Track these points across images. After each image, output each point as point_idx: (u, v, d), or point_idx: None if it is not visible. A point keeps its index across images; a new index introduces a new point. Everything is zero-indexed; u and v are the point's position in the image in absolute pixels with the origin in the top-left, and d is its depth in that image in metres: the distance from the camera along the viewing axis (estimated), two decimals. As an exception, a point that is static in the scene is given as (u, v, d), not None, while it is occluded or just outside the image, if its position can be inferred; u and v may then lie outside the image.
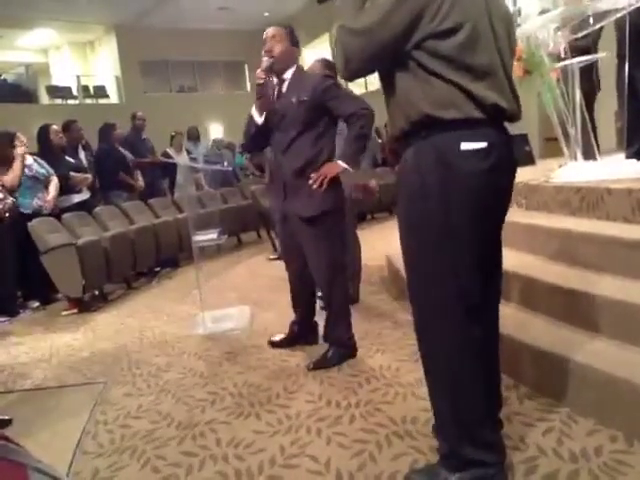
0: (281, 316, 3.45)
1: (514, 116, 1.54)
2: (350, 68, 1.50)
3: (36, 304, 4.79)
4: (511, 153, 1.56)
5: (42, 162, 5.05)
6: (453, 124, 1.43)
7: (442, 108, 1.43)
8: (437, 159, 1.45)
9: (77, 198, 5.44)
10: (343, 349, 2.78)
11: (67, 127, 6.04)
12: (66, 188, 5.24)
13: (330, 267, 2.71)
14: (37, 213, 4.76)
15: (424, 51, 1.42)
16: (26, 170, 4.79)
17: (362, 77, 1.64)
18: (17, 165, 4.59)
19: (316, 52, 14.85)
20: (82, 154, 6.07)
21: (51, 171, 5.04)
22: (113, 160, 6.20)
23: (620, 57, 3.31)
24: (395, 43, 1.43)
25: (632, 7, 2.86)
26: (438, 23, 1.38)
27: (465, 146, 1.43)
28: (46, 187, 4.97)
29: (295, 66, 2.75)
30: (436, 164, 1.46)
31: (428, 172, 1.47)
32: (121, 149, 6.37)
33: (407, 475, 1.74)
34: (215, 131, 15.34)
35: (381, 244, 4.07)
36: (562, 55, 3.14)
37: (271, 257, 5.81)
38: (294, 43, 2.74)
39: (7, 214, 4.42)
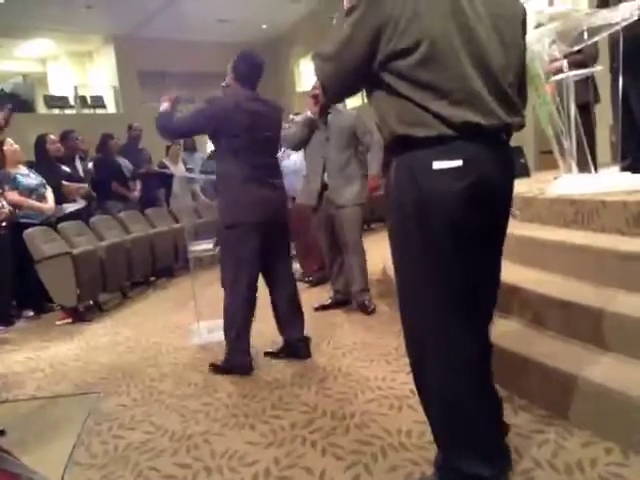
0: (274, 327, 3.44)
1: (505, 127, 1.46)
2: (328, 92, 1.58)
3: (30, 313, 4.77)
4: (504, 167, 1.50)
5: (33, 172, 5.06)
6: (426, 141, 1.40)
7: (412, 127, 1.42)
8: (410, 179, 1.44)
9: (71, 208, 5.43)
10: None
11: (64, 137, 6.07)
12: (60, 197, 5.24)
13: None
14: (33, 223, 4.75)
15: (388, 71, 1.42)
16: (27, 179, 4.82)
17: (343, 99, 1.69)
18: None
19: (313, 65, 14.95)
20: (79, 164, 6.08)
21: (44, 181, 5.04)
22: (109, 170, 6.22)
23: (614, 71, 3.34)
24: (359, 64, 1.45)
25: (626, 22, 2.90)
26: (396, 42, 1.37)
27: (437, 165, 1.39)
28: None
29: None
30: (410, 184, 1.45)
31: (404, 191, 1.47)
32: (119, 159, 6.39)
33: None
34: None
35: (377, 254, 4.07)
36: (564, 70, 3.17)
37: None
38: None
39: (4, 223, 4.41)
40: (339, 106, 3.80)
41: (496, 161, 1.46)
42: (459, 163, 1.38)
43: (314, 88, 3.30)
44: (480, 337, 1.59)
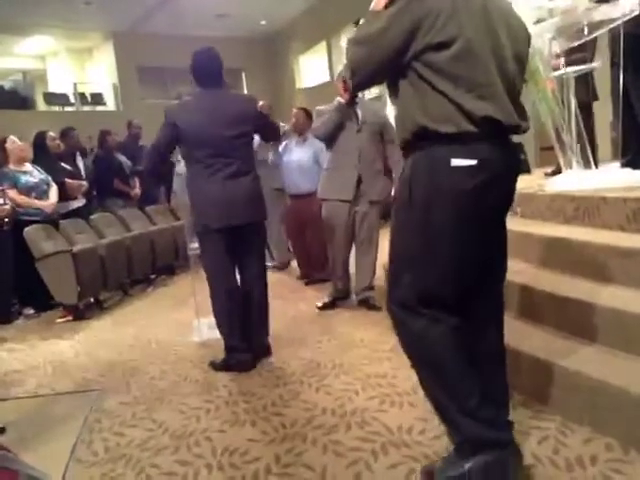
0: (275, 323, 3.44)
1: (515, 128, 1.56)
2: (356, 77, 1.58)
3: (31, 311, 4.76)
4: (511, 167, 1.59)
5: (37, 169, 5.06)
6: (447, 138, 1.47)
7: (437, 121, 1.48)
8: (428, 172, 1.51)
9: (72, 205, 5.43)
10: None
11: (65, 134, 6.06)
12: (62, 194, 5.23)
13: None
14: (34, 220, 4.75)
15: (420, 62, 1.47)
16: (27, 177, 4.82)
17: (369, 87, 1.70)
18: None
19: (312, 59, 14.92)
20: (80, 161, 6.07)
21: (48, 178, 5.04)
22: (109, 167, 6.21)
23: (614, 67, 3.33)
24: (394, 52, 1.49)
25: (626, 17, 2.89)
26: (433, 36, 1.43)
27: (455, 162, 1.47)
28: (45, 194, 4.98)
29: None
30: (426, 177, 1.51)
31: (418, 184, 1.53)
32: (119, 156, 6.38)
33: (424, 469, 1.75)
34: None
35: (380, 250, 4.07)
36: (561, 68, 3.16)
37: (269, 265, 5.79)
38: None
39: (6, 219, 4.41)
40: (363, 98, 3.78)
41: (505, 161, 1.55)
42: (474, 162, 1.47)
43: (342, 77, 3.37)
44: (480, 335, 1.67)
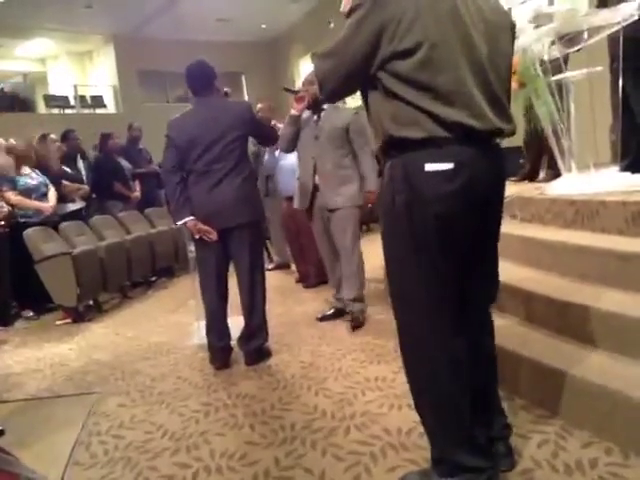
0: (275, 326, 3.45)
1: (496, 133, 1.50)
2: (325, 90, 1.57)
3: (30, 313, 4.77)
4: (494, 172, 1.54)
5: (36, 172, 5.06)
6: (419, 143, 1.43)
7: (405, 128, 1.44)
8: (404, 178, 1.47)
9: (70, 207, 5.43)
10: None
11: (65, 137, 6.08)
12: (60, 197, 5.24)
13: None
14: (33, 222, 4.75)
15: (386, 72, 1.44)
16: (26, 180, 4.83)
17: (339, 98, 1.69)
18: None
19: (312, 64, 14.93)
20: (80, 163, 6.08)
21: (45, 181, 5.04)
22: (110, 170, 6.22)
23: (613, 71, 3.34)
24: (359, 64, 1.46)
25: (626, 22, 2.90)
26: (397, 43, 1.39)
27: (429, 167, 1.42)
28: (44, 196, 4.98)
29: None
30: (403, 184, 1.47)
31: (397, 192, 1.49)
32: (120, 159, 6.39)
33: (401, 477, 1.75)
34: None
35: (375, 255, 4.06)
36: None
37: (269, 267, 5.79)
38: None
39: (2, 222, 4.41)
40: (339, 103, 3.62)
41: (487, 165, 1.49)
42: (450, 166, 1.41)
43: (305, 85, 3.34)
44: (470, 336, 1.61)
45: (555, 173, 4.29)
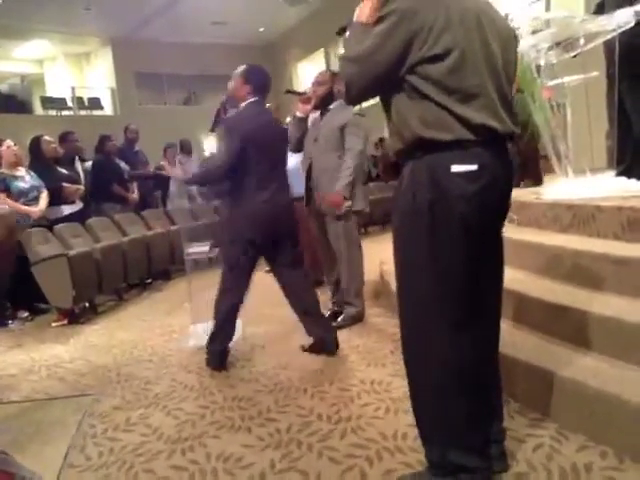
0: (272, 329, 3.44)
1: (511, 136, 1.59)
2: (351, 94, 1.60)
3: (25, 315, 4.75)
4: (508, 173, 1.62)
5: (31, 175, 5.05)
6: (445, 145, 1.50)
7: (434, 130, 1.50)
8: (429, 178, 1.52)
9: (68, 209, 5.41)
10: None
11: (64, 138, 6.06)
12: (57, 199, 5.22)
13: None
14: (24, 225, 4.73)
15: (416, 75, 1.49)
16: (18, 183, 4.81)
17: (364, 101, 1.70)
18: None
19: (310, 67, 14.97)
20: (79, 165, 6.07)
21: (41, 184, 5.03)
22: (108, 172, 6.21)
23: (609, 77, 3.36)
24: (389, 68, 1.51)
25: (622, 29, 2.92)
26: (428, 49, 1.45)
27: (455, 168, 1.49)
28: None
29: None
30: (428, 184, 1.52)
31: (420, 191, 1.54)
32: (118, 161, 6.39)
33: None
34: (209, 144, 15.36)
35: (374, 258, 4.07)
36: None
37: (267, 269, 5.78)
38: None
39: None
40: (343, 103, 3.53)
41: (502, 167, 1.57)
42: (475, 167, 1.49)
43: (314, 86, 3.36)
44: (481, 340, 1.64)
45: (535, 180, 4.34)
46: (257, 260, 2.98)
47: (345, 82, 1.58)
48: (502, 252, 1.74)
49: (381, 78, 1.54)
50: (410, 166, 1.58)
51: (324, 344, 3.07)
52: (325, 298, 3.99)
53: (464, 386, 1.58)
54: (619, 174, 3.33)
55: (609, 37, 3.03)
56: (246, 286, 2.97)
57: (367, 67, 1.53)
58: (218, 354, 3.02)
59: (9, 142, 4.94)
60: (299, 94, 3.34)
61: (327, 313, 3.72)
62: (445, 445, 1.60)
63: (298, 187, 4.51)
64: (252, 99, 2.91)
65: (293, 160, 4.61)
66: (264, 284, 3.52)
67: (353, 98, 1.63)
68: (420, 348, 1.63)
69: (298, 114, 3.31)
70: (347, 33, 1.66)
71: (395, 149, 1.65)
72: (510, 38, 1.66)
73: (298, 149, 3.55)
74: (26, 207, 4.84)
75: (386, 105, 1.64)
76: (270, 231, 2.91)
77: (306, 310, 3.08)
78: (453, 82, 1.48)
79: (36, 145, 5.36)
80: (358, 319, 3.61)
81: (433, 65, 1.46)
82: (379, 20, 1.50)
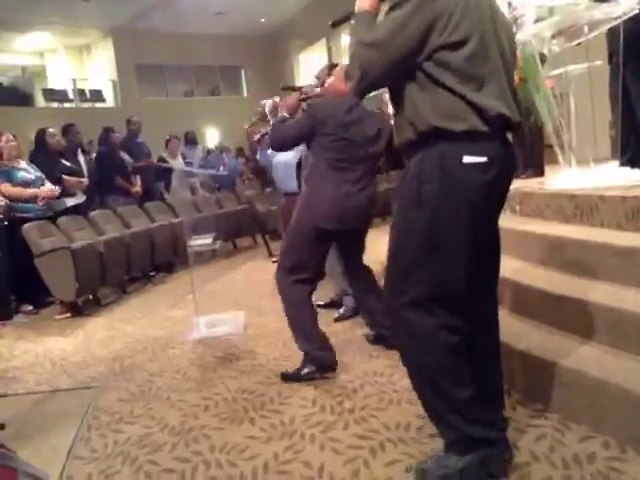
0: (275, 321, 3.45)
1: (517, 125, 1.60)
2: (366, 80, 1.55)
3: (29, 308, 4.77)
4: (510, 165, 1.64)
5: (33, 167, 5.05)
6: (458, 136, 1.49)
7: (448, 120, 1.50)
8: (439, 166, 1.52)
9: (71, 202, 5.41)
10: (310, 364, 2.67)
11: (66, 130, 6.07)
12: (60, 191, 5.23)
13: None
14: (30, 218, 4.74)
15: (433, 62, 1.49)
16: (23, 173, 4.81)
17: (375, 90, 1.65)
18: None
19: (312, 57, 14.89)
20: (81, 157, 6.07)
21: (42, 176, 5.03)
22: (112, 164, 6.21)
23: (613, 66, 3.33)
24: (408, 54, 1.49)
25: (626, 16, 2.89)
26: (448, 35, 1.45)
27: (467, 159, 1.50)
28: None
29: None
30: (438, 171, 1.52)
31: (428, 179, 1.54)
32: (122, 153, 6.39)
33: (416, 466, 1.74)
34: (211, 136, 15.35)
35: (375, 249, 4.06)
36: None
37: (274, 260, 5.77)
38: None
39: (1, 216, 4.41)
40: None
41: (506, 159, 1.59)
42: (484, 159, 1.50)
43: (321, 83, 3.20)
44: (479, 328, 1.69)
45: (537, 171, 4.31)
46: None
47: (360, 68, 1.53)
48: (499, 239, 1.76)
49: (398, 65, 1.52)
50: (419, 156, 1.56)
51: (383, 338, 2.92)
52: (324, 292, 4.00)
53: (458, 359, 1.61)
54: (623, 164, 3.31)
55: (614, 24, 3.00)
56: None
57: (385, 52, 1.50)
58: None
59: (8, 135, 4.94)
60: (296, 89, 3.25)
61: (323, 302, 3.78)
62: (457, 422, 1.60)
63: (286, 182, 4.54)
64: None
65: (288, 155, 4.58)
66: (264, 276, 3.52)
67: (367, 85, 1.57)
68: (412, 335, 1.63)
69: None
70: (352, 21, 1.64)
71: (404, 140, 1.62)
72: (511, 28, 1.69)
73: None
74: (33, 190, 4.84)
75: (396, 96, 1.61)
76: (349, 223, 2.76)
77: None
78: (471, 69, 1.48)
79: (41, 137, 5.39)
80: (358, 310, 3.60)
81: (453, 52, 1.46)
82: (397, 5, 1.48)
